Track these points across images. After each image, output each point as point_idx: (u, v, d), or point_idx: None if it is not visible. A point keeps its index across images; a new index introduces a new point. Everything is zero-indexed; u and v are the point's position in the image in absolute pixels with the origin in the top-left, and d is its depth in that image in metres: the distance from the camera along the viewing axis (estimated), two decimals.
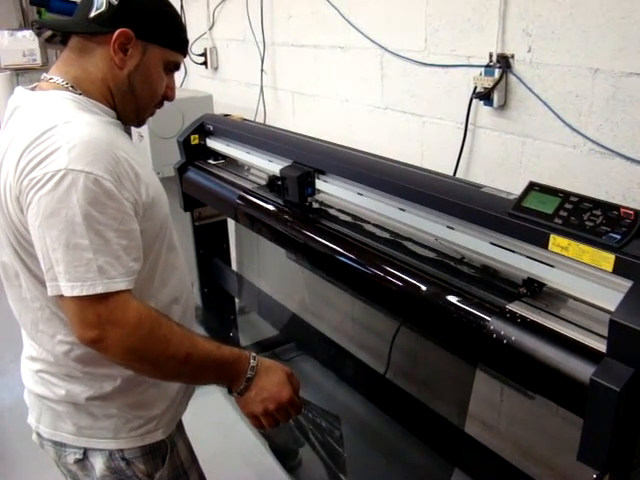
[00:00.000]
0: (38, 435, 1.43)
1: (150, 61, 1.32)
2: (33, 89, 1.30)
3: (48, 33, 1.37)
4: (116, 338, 1.14)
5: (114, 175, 1.15)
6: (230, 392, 1.33)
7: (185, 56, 1.43)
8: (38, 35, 1.43)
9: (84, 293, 1.11)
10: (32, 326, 1.32)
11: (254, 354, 1.33)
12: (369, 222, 1.77)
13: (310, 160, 1.88)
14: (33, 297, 1.28)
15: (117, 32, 1.25)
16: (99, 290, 1.11)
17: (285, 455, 2.08)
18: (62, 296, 1.13)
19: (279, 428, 1.41)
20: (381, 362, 2.42)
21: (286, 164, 1.96)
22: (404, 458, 2.08)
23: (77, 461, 1.39)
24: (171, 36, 1.35)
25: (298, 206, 1.89)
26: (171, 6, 1.37)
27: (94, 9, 1.27)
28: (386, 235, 1.70)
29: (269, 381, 1.32)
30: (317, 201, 1.94)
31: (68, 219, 1.10)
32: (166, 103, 1.44)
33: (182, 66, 1.44)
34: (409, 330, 2.12)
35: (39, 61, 5.37)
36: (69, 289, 1.11)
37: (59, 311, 1.25)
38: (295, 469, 2.06)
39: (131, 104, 1.35)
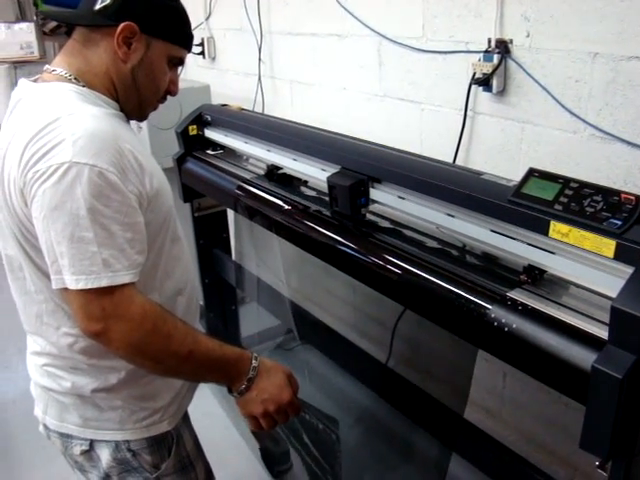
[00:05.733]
0: (45, 427, 1.44)
1: (154, 56, 1.31)
2: (36, 81, 1.30)
3: (53, 24, 1.37)
4: (120, 332, 1.14)
5: (118, 168, 1.14)
6: (230, 392, 1.33)
7: (189, 51, 1.42)
8: (42, 26, 1.43)
9: (89, 286, 1.11)
10: (37, 319, 1.32)
11: (256, 354, 1.32)
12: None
13: (363, 166, 1.64)
14: (37, 290, 1.28)
15: (121, 25, 1.25)
16: (104, 283, 1.11)
17: (275, 459, 2.07)
18: (67, 289, 1.13)
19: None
20: (383, 350, 2.43)
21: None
22: (404, 445, 2.09)
23: (83, 452, 1.39)
24: (176, 31, 1.35)
25: (350, 218, 1.68)
26: (177, 1, 1.36)
27: (99, 1, 1.26)
28: (388, 224, 1.69)
29: (270, 382, 1.32)
30: (371, 212, 1.71)
31: (72, 212, 1.09)
32: None
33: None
34: (411, 318, 2.12)
35: (37, 53, 5.33)
36: (74, 282, 1.11)
37: (63, 303, 1.25)
38: (284, 474, 2.05)
39: (134, 98, 1.35)
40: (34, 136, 1.12)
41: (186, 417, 1.54)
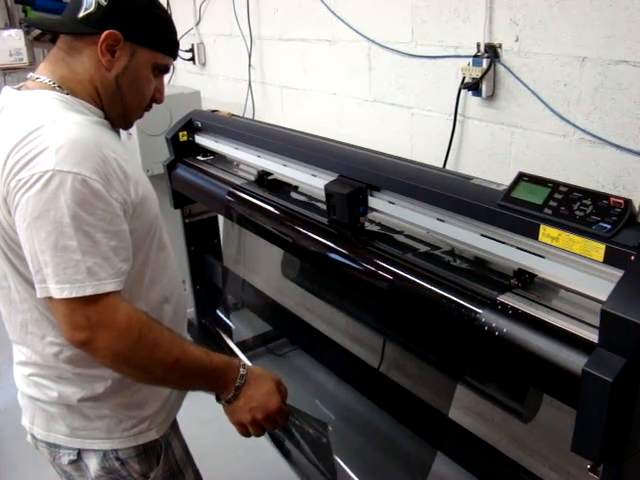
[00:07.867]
0: (32, 436, 1.43)
1: (138, 64, 1.30)
2: (19, 89, 1.29)
3: (37, 31, 1.36)
4: (105, 340, 1.13)
5: (102, 175, 1.14)
6: (218, 400, 1.33)
7: (175, 59, 1.42)
8: (27, 33, 1.42)
9: (73, 295, 1.10)
10: (21, 328, 1.31)
11: (244, 362, 1.32)
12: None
13: (361, 174, 1.62)
14: (22, 299, 1.27)
15: (105, 33, 1.24)
16: (88, 292, 1.11)
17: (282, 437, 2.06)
18: (51, 298, 1.12)
19: None
20: (375, 355, 2.42)
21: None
22: (395, 449, 2.08)
23: (71, 462, 1.38)
24: (160, 39, 1.34)
25: (348, 227, 1.65)
26: (161, 9, 1.35)
27: (83, 9, 1.25)
28: (387, 233, 1.68)
29: (258, 390, 1.32)
30: (370, 221, 1.70)
31: (56, 220, 1.09)
32: None
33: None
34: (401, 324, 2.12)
35: (26, 60, 5.32)
36: (58, 291, 1.10)
37: (48, 312, 1.24)
38: (288, 455, 2.03)
39: (118, 106, 1.34)
40: (17, 144, 1.12)
41: (175, 425, 1.53)
